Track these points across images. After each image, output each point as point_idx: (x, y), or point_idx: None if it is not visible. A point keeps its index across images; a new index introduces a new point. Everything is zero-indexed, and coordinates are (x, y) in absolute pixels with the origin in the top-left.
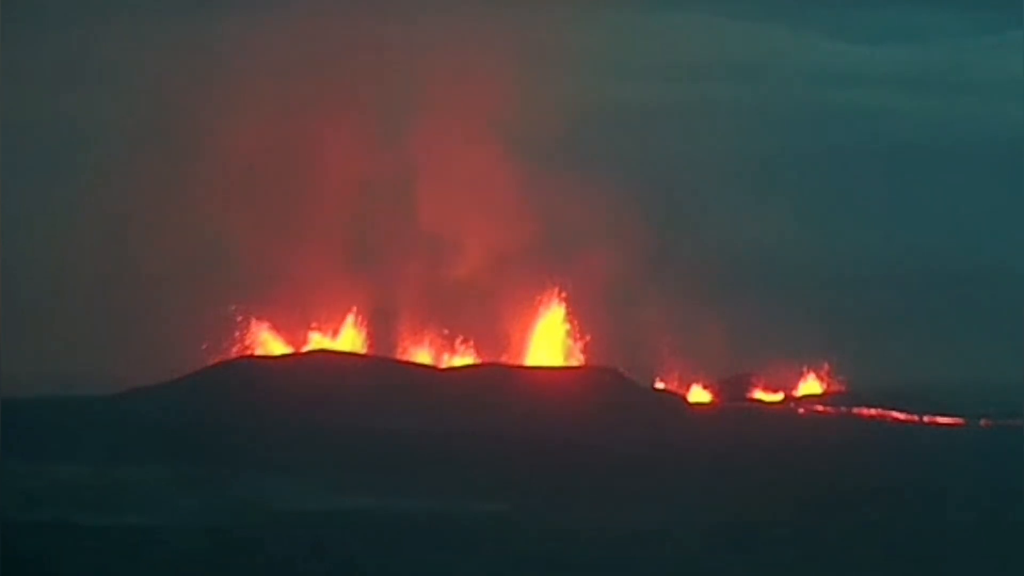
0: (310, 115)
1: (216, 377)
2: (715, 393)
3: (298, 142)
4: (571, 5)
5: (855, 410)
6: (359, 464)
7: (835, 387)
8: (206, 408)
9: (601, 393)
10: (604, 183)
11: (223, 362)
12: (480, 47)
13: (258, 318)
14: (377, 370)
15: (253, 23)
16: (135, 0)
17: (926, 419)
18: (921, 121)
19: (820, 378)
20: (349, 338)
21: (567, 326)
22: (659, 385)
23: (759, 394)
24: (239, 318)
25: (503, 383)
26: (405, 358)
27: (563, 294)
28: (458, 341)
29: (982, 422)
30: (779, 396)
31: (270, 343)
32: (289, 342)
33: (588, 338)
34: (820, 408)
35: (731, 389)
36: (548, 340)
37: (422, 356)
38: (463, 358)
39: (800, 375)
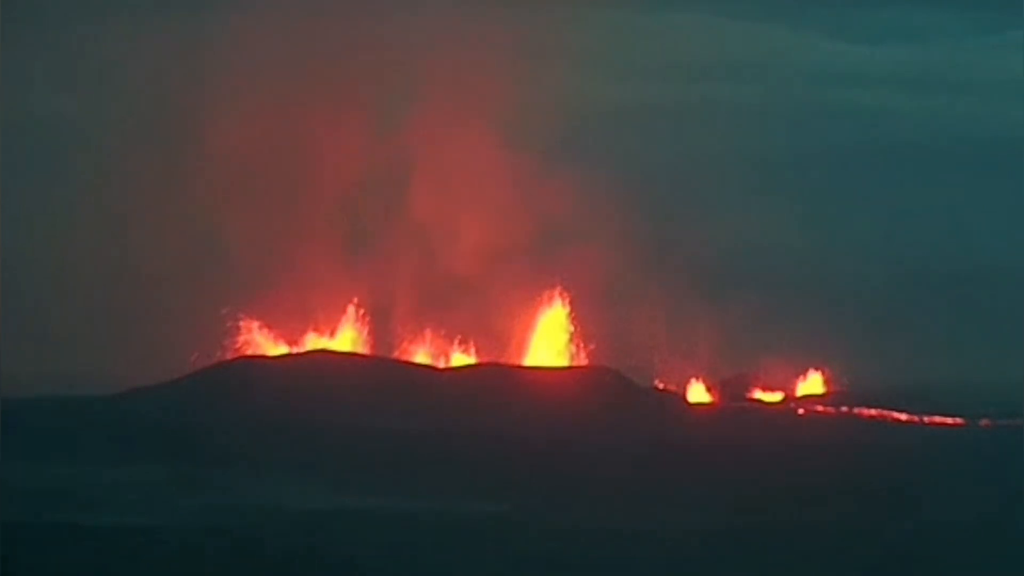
0: (311, 116)
1: (216, 377)
2: (715, 393)
3: (298, 143)
4: (571, 5)
5: (855, 410)
6: (359, 464)
7: (835, 387)
8: (206, 408)
9: (601, 393)
10: (604, 183)
11: (223, 362)
12: (480, 47)
13: (258, 318)
14: (377, 370)
15: (252, 23)
16: (135, 0)
17: (926, 419)
18: (921, 121)
19: (820, 378)
20: (348, 338)
21: (567, 326)
22: (659, 385)
23: (759, 394)
24: (239, 318)
25: (503, 383)
26: (405, 358)
27: (563, 294)
28: (458, 341)
29: (982, 422)
30: (779, 396)
31: (269, 343)
32: (288, 342)
33: (588, 338)
34: (820, 408)
35: (731, 389)
36: (548, 340)
37: (422, 356)
38: (463, 358)
39: (800, 375)
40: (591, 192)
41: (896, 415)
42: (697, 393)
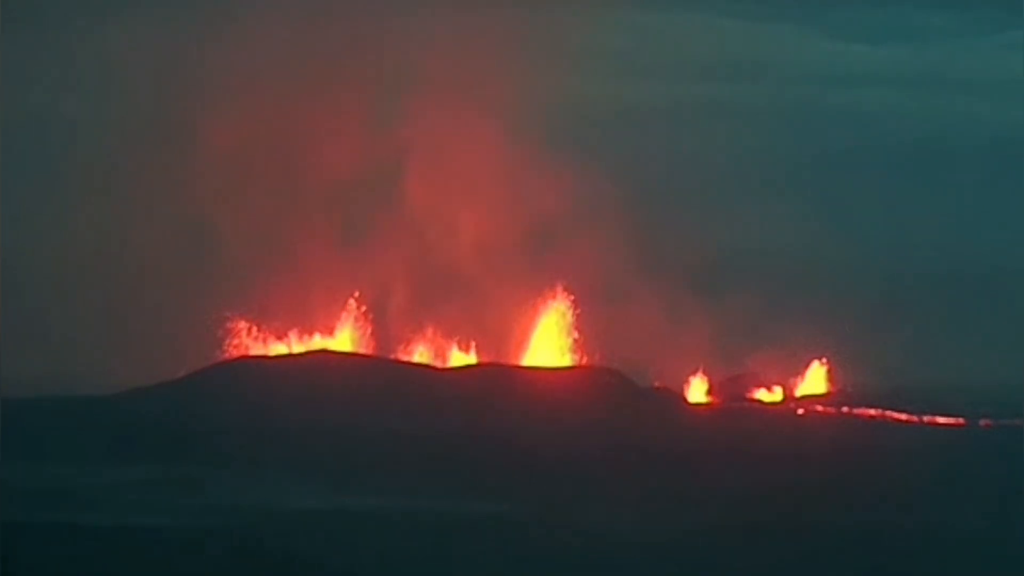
0: (311, 117)
1: (216, 377)
2: (715, 393)
3: (298, 143)
4: (571, 5)
5: (855, 410)
6: (359, 464)
7: (835, 387)
8: (205, 408)
9: (601, 393)
10: (605, 182)
11: (223, 362)
12: (480, 47)
13: (258, 318)
14: (377, 370)
15: (251, 22)
16: (135, 0)
17: (926, 419)
18: (921, 121)
19: (820, 378)
20: (348, 337)
21: (568, 326)
22: (659, 385)
23: (759, 394)
24: (239, 318)
25: (503, 383)
26: (405, 358)
27: (563, 294)
28: (458, 341)
29: (982, 422)
30: (779, 396)
31: (269, 343)
32: (288, 341)
33: (588, 338)
34: (820, 408)
35: (730, 389)
36: (548, 340)
37: (422, 356)
38: (463, 358)
39: (800, 375)
40: (591, 192)
41: (896, 415)
42: (697, 393)
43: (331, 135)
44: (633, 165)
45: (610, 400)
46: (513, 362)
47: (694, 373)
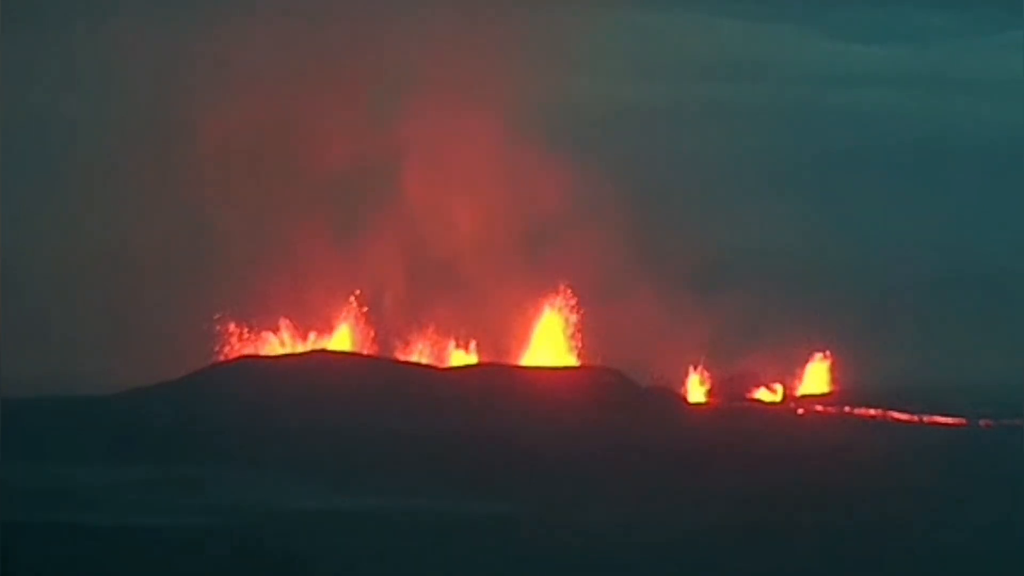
0: (312, 117)
1: (215, 377)
2: (715, 393)
3: (298, 143)
4: (571, 5)
5: (855, 410)
6: (359, 464)
7: (835, 387)
8: (206, 408)
9: (601, 393)
10: (605, 182)
11: (222, 362)
12: (480, 47)
13: (258, 318)
14: (377, 370)
15: (250, 22)
16: (135, 0)
17: (926, 419)
18: (921, 121)
19: (821, 376)
20: (347, 338)
21: (568, 326)
22: (659, 385)
23: (759, 394)
24: (238, 318)
25: (503, 383)
26: (405, 358)
27: (563, 294)
28: (457, 340)
29: (982, 422)
30: (779, 396)
31: (269, 343)
32: (288, 342)
33: (588, 337)
34: (820, 408)
35: (730, 389)
36: (548, 339)
37: (422, 356)
38: (463, 358)
39: (800, 375)
40: (591, 191)
41: (896, 415)
42: (697, 393)
43: (331, 135)
44: (633, 165)
45: (610, 400)
46: (513, 362)
47: (696, 376)
